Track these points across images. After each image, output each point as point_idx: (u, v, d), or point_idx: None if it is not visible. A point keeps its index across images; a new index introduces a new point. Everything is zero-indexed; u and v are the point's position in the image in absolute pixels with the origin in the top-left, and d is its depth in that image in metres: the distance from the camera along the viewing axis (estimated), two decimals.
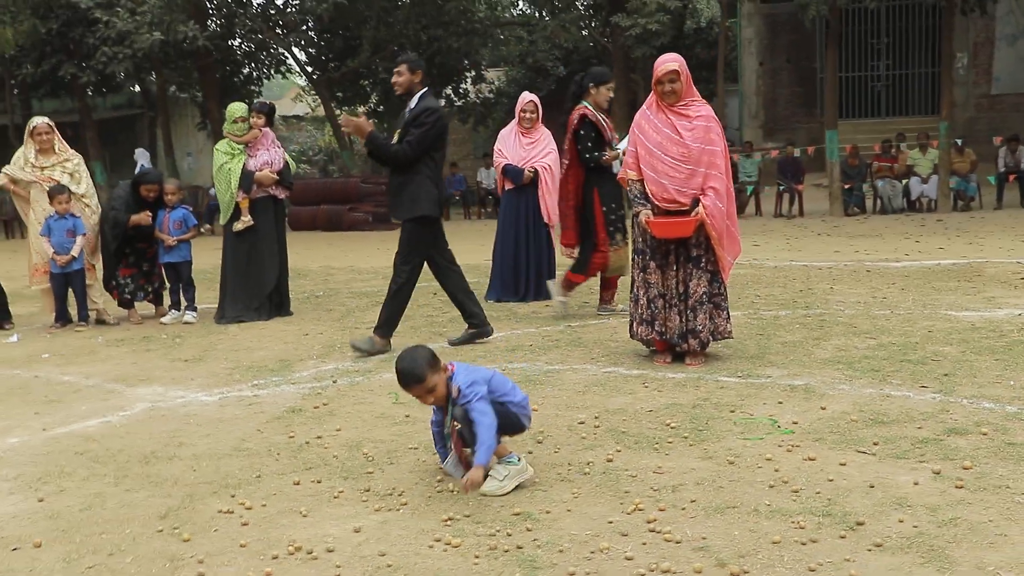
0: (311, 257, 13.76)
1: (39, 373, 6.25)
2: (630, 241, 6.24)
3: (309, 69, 24.94)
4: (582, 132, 6.80)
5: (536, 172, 8.08)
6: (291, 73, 28.57)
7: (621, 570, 2.89)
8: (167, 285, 8.19)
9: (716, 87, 20.30)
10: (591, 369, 5.60)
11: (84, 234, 7.74)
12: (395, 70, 6.13)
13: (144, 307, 8.37)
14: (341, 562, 3.03)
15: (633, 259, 5.75)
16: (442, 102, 26.74)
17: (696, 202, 5.39)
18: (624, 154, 5.86)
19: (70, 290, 7.86)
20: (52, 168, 7.95)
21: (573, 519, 3.31)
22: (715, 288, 5.54)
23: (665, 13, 17.87)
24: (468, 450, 3.61)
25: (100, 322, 8.06)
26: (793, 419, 4.35)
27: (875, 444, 3.92)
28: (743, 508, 3.32)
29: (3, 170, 8.03)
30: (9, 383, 5.95)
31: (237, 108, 7.81)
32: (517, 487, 3.59)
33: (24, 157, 7.99)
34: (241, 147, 7.74)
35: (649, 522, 3.22)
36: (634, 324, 5.71)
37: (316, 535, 3.26)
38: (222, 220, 7.89)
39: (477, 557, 3.03)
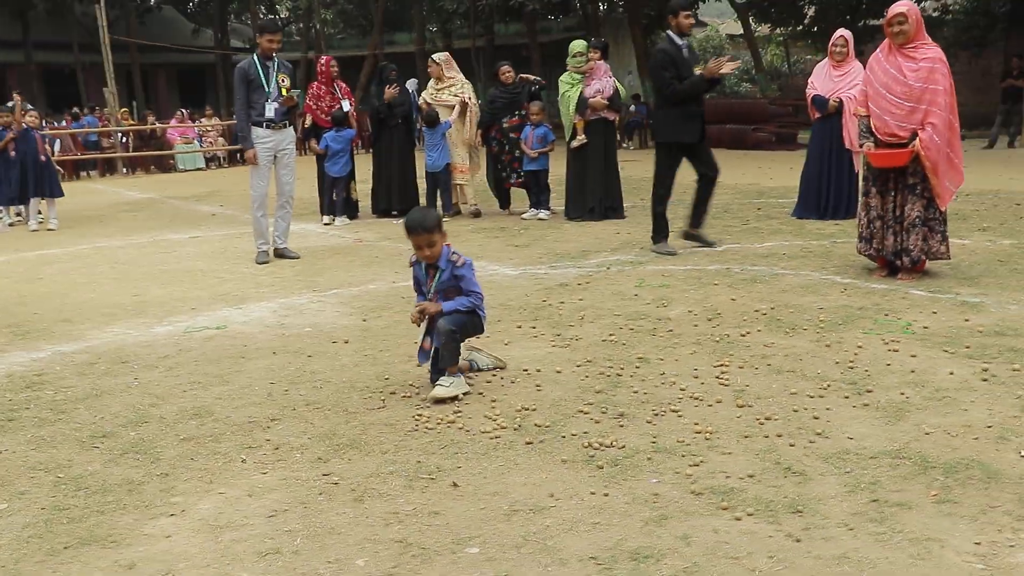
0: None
1: None
2: None
3: None
4: None
5: (841, 102, 8.75)
6: None
7: (568, 390, 4.16)
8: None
9: None
10: (813, 275, 6.54)
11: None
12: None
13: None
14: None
15: (861, 185, 6.54)
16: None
17: (914, 135, 6.06)
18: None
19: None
20: (441, 91, 10.22)
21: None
22: (930, 213, 6.18)
23: None
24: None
25: (475, 215, 10.26)
26: (927, 324, 5.10)
27: (967, 347, 4.63)
28: (783, 369, 4.36)
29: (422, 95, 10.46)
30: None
31: (577, 44, 9.42)
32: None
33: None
34: (580, 77, 9.36)
35: (699, 368, 4.41)
36: (858, 241, 6.53)
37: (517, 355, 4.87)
38: (566, 139, 9.62)
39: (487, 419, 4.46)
